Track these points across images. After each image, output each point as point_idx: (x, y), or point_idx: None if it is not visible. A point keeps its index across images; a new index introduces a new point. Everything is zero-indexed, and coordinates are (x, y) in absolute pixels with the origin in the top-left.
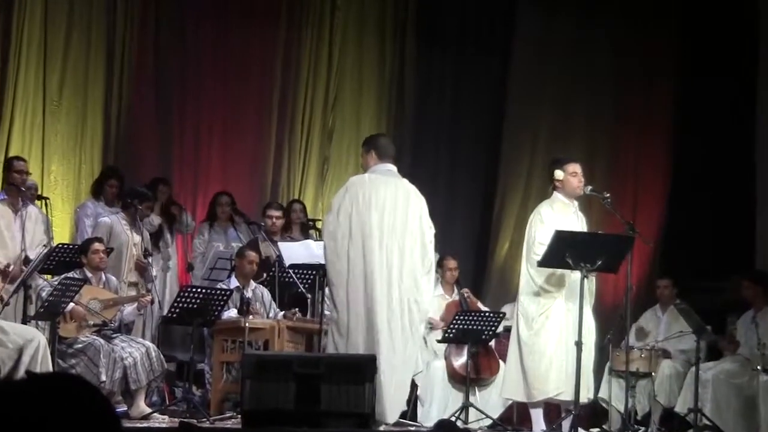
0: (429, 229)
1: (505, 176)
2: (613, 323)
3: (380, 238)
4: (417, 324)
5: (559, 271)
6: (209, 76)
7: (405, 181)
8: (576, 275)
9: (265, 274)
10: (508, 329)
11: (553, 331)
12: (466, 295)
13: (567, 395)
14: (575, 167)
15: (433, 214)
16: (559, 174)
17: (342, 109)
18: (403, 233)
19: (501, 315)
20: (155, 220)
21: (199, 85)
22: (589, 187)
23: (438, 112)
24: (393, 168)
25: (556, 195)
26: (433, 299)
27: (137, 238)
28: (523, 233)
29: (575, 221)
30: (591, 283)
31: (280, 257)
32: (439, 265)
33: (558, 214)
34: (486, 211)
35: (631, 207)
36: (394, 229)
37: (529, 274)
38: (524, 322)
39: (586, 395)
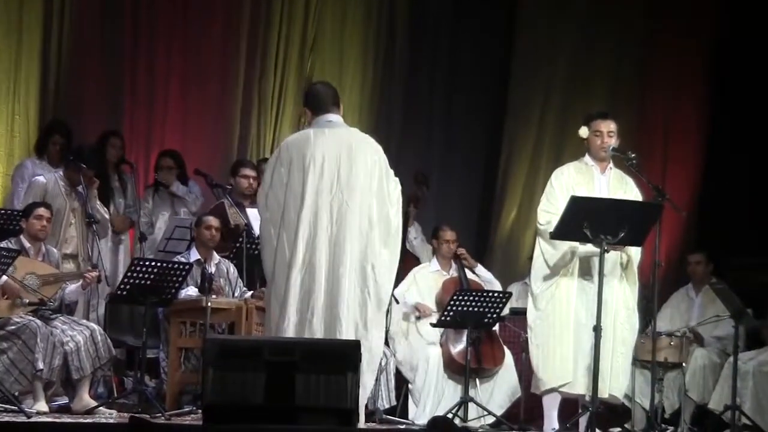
0: (392, 184)
1: (512, 129)
2: (638, 305)
3: (318, 203)
4: (375, 296)
5: (569, 245)
6: (165, 11)
7: (354, 130)
8: (583, 248)
9: (232, 246)
10: (515, 311)
11: (559, 312)
12: (461, 255)
13: (578, 387)
14: (601, 125)
15: (427, 175)
16: (584, 131)
17: (322, 50)
18: (352, 193)
19: (507, 295)
20: (99, 211)
21: (154, 22)
22: (612, 146)
23: (434, 52)
24: (335, 117)
25: (586, 156)
26: (428, 275)
27: (77, 203)
28: (534, 200)
29: (603, 187)
30: (628, 258)
31: (248, 226)
32: (435, 236)
33: (574, 180)
34: (489, 171)
35: (660, 170)
36: (341, 189)
37: (540, 249)
38: (531, 302)
39: (601, 390)
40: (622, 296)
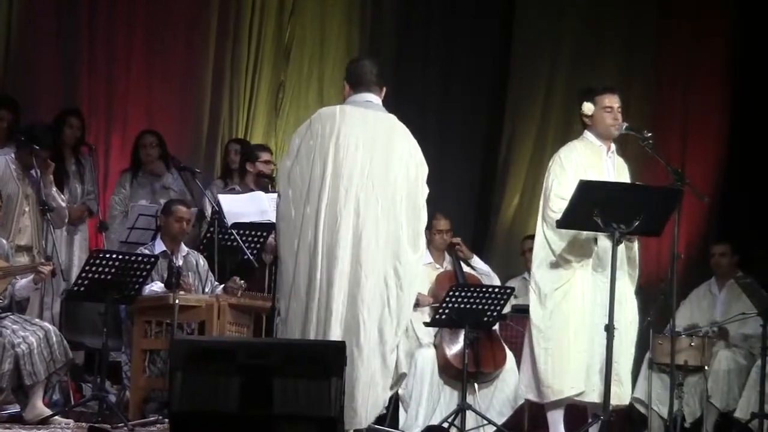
0: (422, 187)
1: (514, 108)
2: (655, 302)
3: (348, 189)
4: (397, 309)
5: (585, 234)
6: None
7: (392, 117)
8: (606, 240)
9: (202, 237)
10: (518, 309)
11: (572, 312)
12: (456, 245)
13: (591, 395)
14: (611, 100)
15: None
16: (588, 108)
17: (302, 18)
18: (384, 184)
19: (508, 291)
20: (55, 198)
21: None
22: (625, 125)
23: (426, 22)
24: (374, 99)
25: (586, 134)
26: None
27: (30, 189)
28: (538, 184)
29: (610, 170)
30: (630, 250)
31: (220, 214)
32: (427, 226)
33: (585, 160)
34: (489, 155)
35: (679, 151)
36: (372, 178)
37: (545, 238)
38: (537, 300)
39: (621, 397)
40: (629, 293)
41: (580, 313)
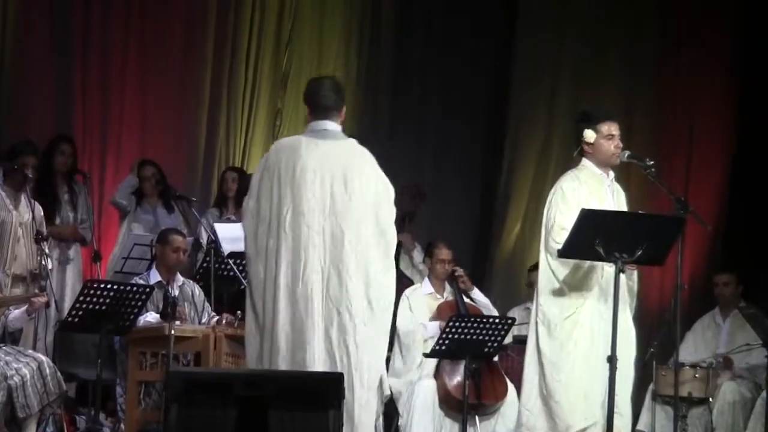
0: (388, 208)
1: (515, 134)
2: (659, 333)
3: (311, 226)
4: (375, 336)
5: (588, 263)
6: (121, 6)
7: (350, 141)
8: (609, 269)
9: (198, 266)
10: (519, 340)
11: (582, 342)
12: (458, 275)
13: (600, 427)
14: (611, 127)
15: (422, 188)
16: (589, 135)
17: (300, 45)
18: (348, 214)
19: (509, 321)
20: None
21: (107, 14)
22: (627, 153)
23: (424, 48)
24: (332, 126)
25: (585, 163)
26: (421, 298)
27: (25, 216)
28: (540, 212)
29: (609, 198)
30: (630, 280)
31: (216, 243)
32: (428, 254)
33: (587, 189)
34: (489, 183)
35: (683, 179)
36: (334, 211)
37: (550, 268)
38: (545, 331)
39: (621, 429)
40: (629, 323)
41: (590, 343)
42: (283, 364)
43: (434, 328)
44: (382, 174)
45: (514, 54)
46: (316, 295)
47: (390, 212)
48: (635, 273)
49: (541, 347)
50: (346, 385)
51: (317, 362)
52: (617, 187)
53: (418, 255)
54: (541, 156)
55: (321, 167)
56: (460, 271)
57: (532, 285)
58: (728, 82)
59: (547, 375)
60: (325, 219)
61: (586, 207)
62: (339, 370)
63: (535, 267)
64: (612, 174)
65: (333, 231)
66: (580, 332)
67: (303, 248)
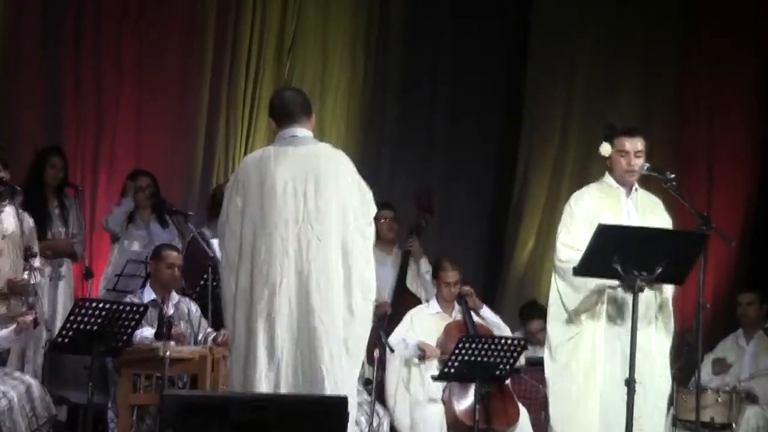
0: (368, 207)
1: (529, 143)
2: (680, 355)
3: (283, 237)
4: (357, 348)
5: (595, 284)
6: (115, 7)
7: (323, 145)
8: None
9: (195, 284)
10: (532, 362)
11: (582, 363)
12: (465, 292)
13: None
14: (626, 143)
15: (432, 199)
16: (606, 149)
17: (303, 48)
18: (324, 221)
19: (522, 342)
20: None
21: (100, 18)
22: (647, 165)
23: (435, 53)
24: (302, 131)
25: (606, 176)
26: (427, 319)
27: (10, 228)
28: (554, 228)
29: (628, 213)
30: (662, 298)
31: (214, 260)
32: (434, 275)
33: (598, 204)
34: (501, 192)
35: (705, 193)
36: (309, 219)
37: (558, 290)
38: (548, 354)
39: None
40: (657, 343)
41: (591, 364)
42: (263, 383)
43: (413, 347)
44: (358, 176)
45: (527, 57)
46: (293, 308)
47: (371, 212)
48: (670, 289)
49: (546, 374)
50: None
51: (292, 376)
52: (648, 197)
53: (425, 264)
54: (554, 169)
55: (293, 176)
56: (467, 289)
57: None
58: (754, 86)
59: (549, 398)
60: (299, 228)
61: (601, 222)
62: (318, 380)
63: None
64: (635, 188)
65: (308, 239)
66: (583, 354)
67: (278, 262)
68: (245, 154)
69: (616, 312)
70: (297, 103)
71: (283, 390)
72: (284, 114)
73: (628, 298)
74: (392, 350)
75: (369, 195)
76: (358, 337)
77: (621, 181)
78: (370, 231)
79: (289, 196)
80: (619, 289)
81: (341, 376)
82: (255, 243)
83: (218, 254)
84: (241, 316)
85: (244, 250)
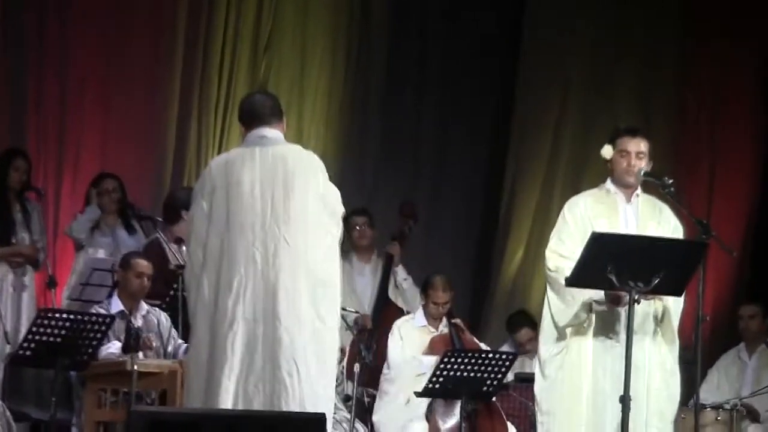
0: (336, 207)
1: (520, 148)
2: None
3: (248, 240)
4: (329, 350)
5: (582, 300)
6: (80, 6)
7: (293, 147)
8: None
9: (166, 294)
10: (521, 378)
11: (570, 381)
12: (454, 322)
13: None
14: (628, 143)
15: (416, 206)
16: (607, 151)
17: (280, 50)
18: (289, 226)
19: (510, 357)
20: None
21: (65, 14)
22: (643, 170)
23: (421, 53)
24: (271, 132)
25: (607, 182)
26: (413, 331)
27: None
28: (545, 237)
29: (626, 220)
30: (662, 308)
31: (185, 267)
32: (424, 290)
33: (592, 211)
34: (490, 200)
35: (705, 199)
36: (276, 221)
37: (548, 302)
38: (538, 369)
39: None
40: (657, 357)
41: (578, 383)
42: (225, 396)
43: (429, 364)
44: (326, 177)
45: (519, 59)
46: (258, 317)
47: (333, 214)
48: (671, 300)
49: (535, 390)
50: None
51: (262, 391)
52: (651, 203)
53: (401, 272)
54: (546, 175)
55: (261, 177)
56: (456, 321)
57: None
58: (758, 89)
59: (538, 420)
60: (266, 233)
61: (595, 230)
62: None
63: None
64: (636, 193)
65: (276, 244)
66: (569, 373)
67: (244, 268)
68: None
69: (605, 325)
70: (266, 106)
71: (242, 404)
72: (253, 117)
73: (620, 310)
74: (369, 364)
75: (337, 195)
76: (330, 347)
77: (621, 185)
78: (338, 232)
79: (257, 198)
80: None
81: (309, 389)
82: (221, 248)
83: None
84: (204, 324)
85: (209, 255)
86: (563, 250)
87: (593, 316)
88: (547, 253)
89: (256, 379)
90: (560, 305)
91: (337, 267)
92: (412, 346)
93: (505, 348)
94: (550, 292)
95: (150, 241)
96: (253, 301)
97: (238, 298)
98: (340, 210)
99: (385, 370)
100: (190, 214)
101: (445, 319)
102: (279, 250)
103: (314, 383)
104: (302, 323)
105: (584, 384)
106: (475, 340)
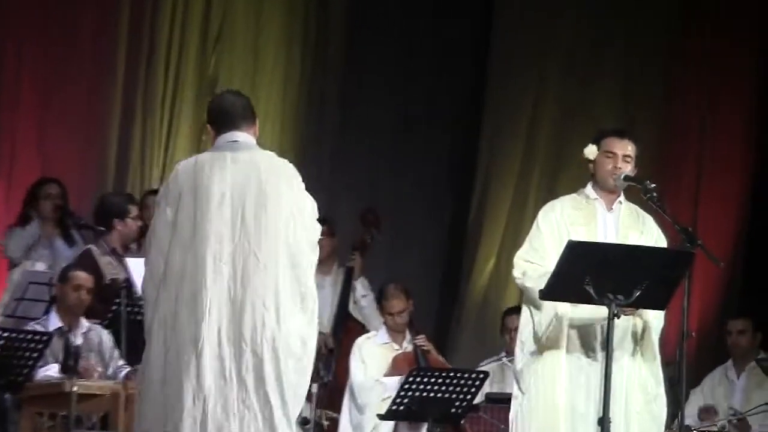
0: (306, 228)
1: (490, 150)
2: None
3: (215, 254)
4: (295, 386)
5: (560, 308)
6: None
7: (267, 154)
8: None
9: (107, 309)
10: (493, 398)
11: (544, 395)
12: (419, 344)
13: None
14: (615, 144)
15: (378, 214)
16: (590, 151)
17: (231, 43)
18: (260, 240)
19: (481, 376)
20: None
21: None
22: (624, 173)
23: (384, 46)
24: (244, 137)
25: (587, 187)
26: (374, 349)
27: None
28: (518, 244)
29: (605, 228)
30: (642, 323)
31: (129, 282)
32: (379, 302)
33: (569, 217)
34: (458, 209)
35: (691, 206)
36: (246, 233)
37: (529, 312)
38: (515, 383)
39: None
40: (637, 377)
41: (551, 399)
42: (187, 422)
43: (394, 384)
44: (303, 190)
45: (489, 51)
46: (224, 336)
47: (306, 237)
48: (646, 314)
49: (510, 413)
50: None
51: (229, 417)
52: (635, 214)
53: (361, 287)
54: (520, 177)
55: (231, 185)
56: (421, 340)
57: (509, 332)
58: (751, 87)
59: None
60: (235, 246)
61: (571, 238)
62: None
63: (511, 310)
64: (621, 198)
65: (245, 259)
66: (543, 387)
67: (209, 285)
68: (164, 162)
69: (585, 340)
70: (238, 106)
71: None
72: (223, 118)
73: (597, 325)
74: (327, 384)
75: (313, 208)
76: (305, 373)
77: (604, 189)
78: (313, 253)
79: (226, 207)
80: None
81: (279, 415)
82: (184, 260)
83: (132, 275)
84: (160, 343)
85: (170, 267)
86: (533, 256)
87: (564, 328)
88: (516, 260)
89: (223, 405)
90: (535, 311)
91: (313, 285)
92: (374, 366)
93: (487, 366)
94: (530, 308)
95: (81, 254)
96: (217, 323)
97: (202, 317)
98: (317, 229)
99: (346, 396)
100: (152, 221)
101: (409, 335)
102: (248, 267)
103: (286, 409)
104: (274, 350)
105: (560, 401)
106: (442, 359)
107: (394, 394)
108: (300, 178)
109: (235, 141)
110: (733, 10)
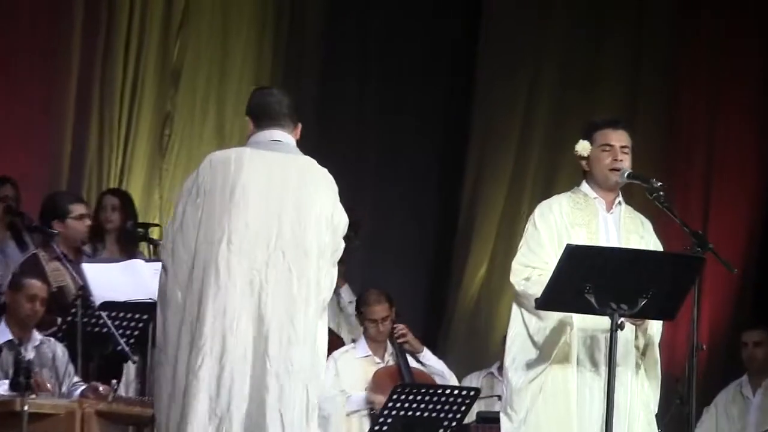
0: (335, 243)
1: (481, 149)
2: (668, 408)
3: (252, 263)
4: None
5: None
6: None
7: (307, 159)
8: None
9: (60, 319)
10: (485, 417)
11: (548, 414)
12: (399, 334)
13: None
14: (611, 136)
15: (359, 217)
16: (584, 147)
17: (197, 30)
18: (299, 250)
19: (472, 393)
20: None
21: None
22: (627, 171)
23: (364, 36)
24: (285, 137)
25: (582, 185)
26: (353, 363)
27: None
28: (512, 251)
29: (607, 230)
30: (645, 338)
31: (84, 290)
32: (358, 310)
33: (569, 218)
34: (446, 214)
35: (701, 207)
36: (282, 245)
37: (523, 320)
38: (506, 401)
39: None
40: (641, 395)
41: (565, 420)
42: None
43: (359, 400)
44: (338, 202)
45: (478, 42)
46: (248, 355)
47: (333, 253)
48: (655, 326)
49: (502, 424)
50: None
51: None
52: (634, 217)
53: (346, 294)
54: (513, 177)
55: (269, 186)
56: (400, 329)
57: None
58: (759, 90)
59: None
60: (270, 254)
61: (571, 242)
62: None
63: None
64: (619, 199)
65: (278, 273)
66: (548, 402)
67: (239, 292)
68: (124, 159)
69: (586, 354)
70: (284, 105)
71: None
72: (267, 114)
73: (600, 337)
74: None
75: (345, 225)
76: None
77: (603, 187)
78: (335, 272)
79: (263, 210)
80: (590, 328)
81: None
82: (207, 263)
83: (89, 283)
84: (185, 352)
85: (196, 270)
86: (533, 260)
87: (575, 338)
88: (514, 265)
89: (239, 424)
90: (537, 322)
91: (328, 299)
92: (352, 381)
93: (475, 381)
94: (522, 311)
95: (26, 259)
96: (245, 336)
97: (229, 330)
98: (342, 246)
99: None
100: (177, 213)
101: (391, 347)
102: (281, 281)
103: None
104: (298, 371)
105: (565, 419)
106: (428, 351)
107: (359, 410)
108: (337, 189)
109: (278, 141)
110: (739, 8)
